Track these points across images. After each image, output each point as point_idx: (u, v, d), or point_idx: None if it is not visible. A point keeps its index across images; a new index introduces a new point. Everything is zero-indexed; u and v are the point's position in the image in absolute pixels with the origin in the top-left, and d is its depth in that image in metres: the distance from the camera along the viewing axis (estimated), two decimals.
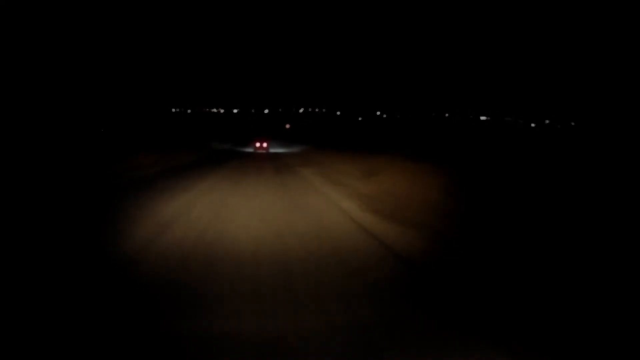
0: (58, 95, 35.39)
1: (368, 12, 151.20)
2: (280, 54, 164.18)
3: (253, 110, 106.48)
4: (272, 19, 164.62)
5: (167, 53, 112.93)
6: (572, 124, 64.16)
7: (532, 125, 74.35)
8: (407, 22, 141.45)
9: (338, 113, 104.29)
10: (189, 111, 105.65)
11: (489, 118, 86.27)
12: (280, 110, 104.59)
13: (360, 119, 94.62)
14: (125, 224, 9.74)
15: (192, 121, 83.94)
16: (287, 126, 75.00)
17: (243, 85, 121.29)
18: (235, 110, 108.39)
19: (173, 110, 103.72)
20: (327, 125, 76.16)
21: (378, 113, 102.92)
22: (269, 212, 11.99)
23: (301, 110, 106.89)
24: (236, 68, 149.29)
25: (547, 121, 75.06)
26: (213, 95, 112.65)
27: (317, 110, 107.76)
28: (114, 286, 6.30)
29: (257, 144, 42.31)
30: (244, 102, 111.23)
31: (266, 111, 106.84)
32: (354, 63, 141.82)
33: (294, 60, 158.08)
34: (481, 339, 4.94)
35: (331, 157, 27.86)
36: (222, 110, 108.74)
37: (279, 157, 35.73)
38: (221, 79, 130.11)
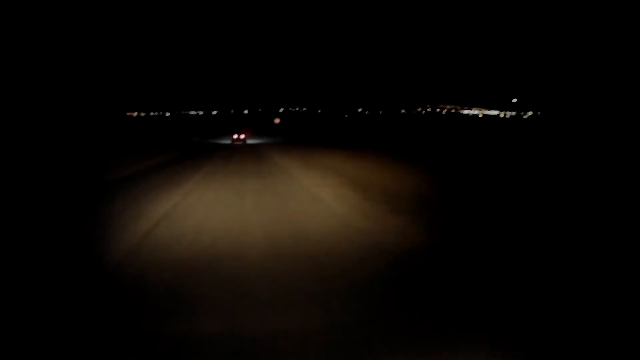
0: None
1: (345, 13, 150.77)
2: (258, 55, 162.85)
3: (232, 111, 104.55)
4: (250, 20, 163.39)
5: (142, 55, 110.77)
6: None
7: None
8: (381, 25, 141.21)
9: (319, 111, 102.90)
10: (167, 114, 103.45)
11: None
12: (260, 110, 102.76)
13: (346, 115, 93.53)
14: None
15: (174, 123, 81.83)
16: (277, 121, 70.08)
17: (221, 86, 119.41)
18: (214, 112, 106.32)
19: (152, 113, 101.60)
20: (306, 123, 74.71)
21: (360, 110, 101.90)
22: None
23: (281, 110, 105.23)
24: (214, 69, 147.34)
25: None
26: (191, 98, 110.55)
27: (297, 109, 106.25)
28: None
29: (235, 136, 41.98)
30: (223, 104, 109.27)
31: (246, 112, 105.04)
32: (333, 62, 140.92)
33: (273, 60, 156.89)
34: None
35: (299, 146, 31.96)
36: (200, 113, 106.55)
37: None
38: (199, 81, 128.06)
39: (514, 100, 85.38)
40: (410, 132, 44.06)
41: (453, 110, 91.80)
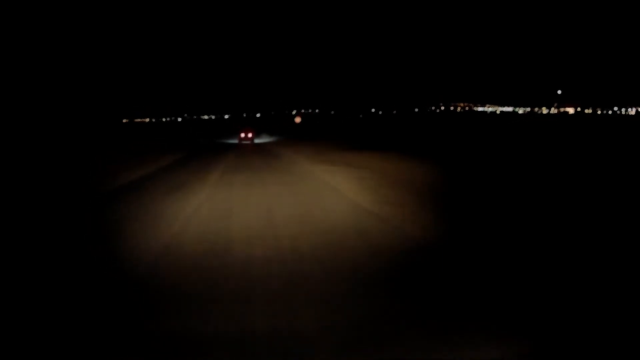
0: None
1: (356, 14, 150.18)
2: (270, 57, 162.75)
3: (245, 115, 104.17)
4: (263, 22, 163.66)
5: (152, 60, 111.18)
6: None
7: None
8: (394, 25, 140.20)
9: (332, 112, 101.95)
10: (179, 120, 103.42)
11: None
12: (272, 113, 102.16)
13: (360, 116, 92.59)
14: None
15: (184, 128, 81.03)
16: (297, 120, 59.66)
17: (233, 90, 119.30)
18: (226, 116, 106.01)
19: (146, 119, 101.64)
20: (321, 124, 73.52)
21: (373, 110, 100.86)
22: None
23: (294, 112, 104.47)
24: (226, 73, 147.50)
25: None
26: (203, 102, 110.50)
27: (310, 110, 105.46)
28: None
29: (242, 135, 41.35)
30: (235, 107, 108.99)
31: (258, 115, 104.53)
32: (345, 63, 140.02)
33: (285, 62, 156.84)
34: None
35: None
36: (212, 117, 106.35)
37: None
38: (211, 86, 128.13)
39: (559, 92, 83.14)
40: (427, 131, 42.15)
41: (467, 108, 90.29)
